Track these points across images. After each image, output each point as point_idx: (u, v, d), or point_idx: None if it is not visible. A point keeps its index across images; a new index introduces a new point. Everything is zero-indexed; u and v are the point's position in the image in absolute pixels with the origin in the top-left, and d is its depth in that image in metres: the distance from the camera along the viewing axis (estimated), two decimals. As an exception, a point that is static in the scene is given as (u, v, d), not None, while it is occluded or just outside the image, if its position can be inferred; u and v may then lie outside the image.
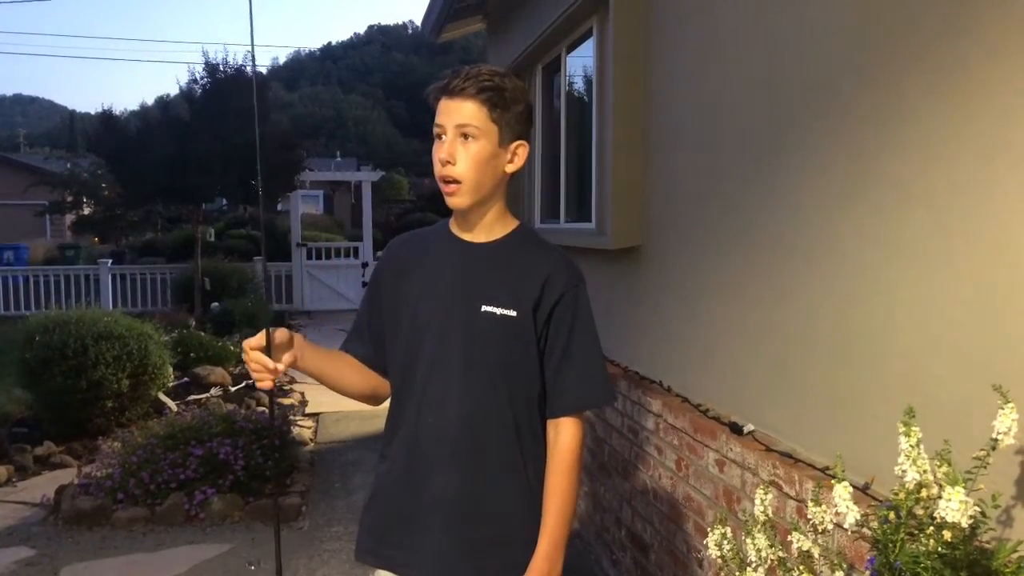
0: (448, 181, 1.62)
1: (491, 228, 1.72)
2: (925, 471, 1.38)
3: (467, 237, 1.73)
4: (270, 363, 1.57)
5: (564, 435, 1.68)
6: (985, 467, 1.38)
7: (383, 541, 1.74)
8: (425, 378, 1.68)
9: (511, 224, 1.75)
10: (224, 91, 12.32)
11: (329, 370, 1.75)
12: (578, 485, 1.72)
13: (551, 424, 1.70)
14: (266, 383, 1.60)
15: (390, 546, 1.73)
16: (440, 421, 1.66)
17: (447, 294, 1.69)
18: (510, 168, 1.68)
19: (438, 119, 1.62)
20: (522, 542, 1.66)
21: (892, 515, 1.41)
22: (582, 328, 1.70)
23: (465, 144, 1.61)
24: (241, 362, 9.16)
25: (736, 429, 2.60)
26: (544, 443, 1.71)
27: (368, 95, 72.37)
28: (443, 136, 1.62)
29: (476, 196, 1.65)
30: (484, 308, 1.65)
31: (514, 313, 1.65)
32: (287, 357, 1.61)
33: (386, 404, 1.90)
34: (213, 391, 7.70)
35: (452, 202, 1.65)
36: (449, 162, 1.61)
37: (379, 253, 15.81)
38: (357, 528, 1.84)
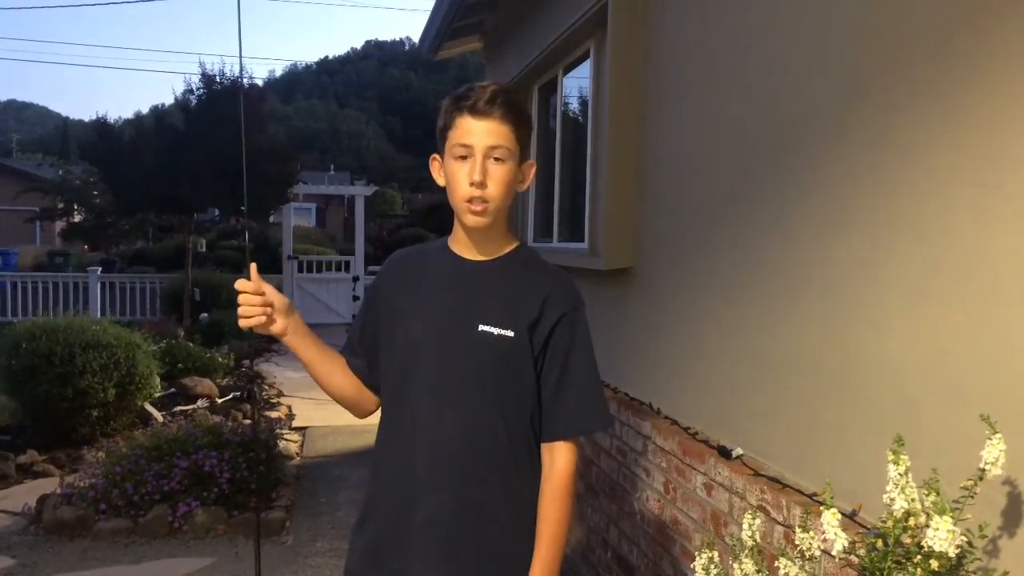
0: (477, 201, 1.60)
1: (494, 247, 1.71)
2: (913, 499, 1.39)
3: (468, 255, 1.71)
4: (258, 298, 1.62)
5: (559, 460, 1.66)
6: (972, 497, 1.38)
7: (374, 564, 1.70)
8: (418, 397, 1.65)
9: (512, 243, 1.74)
10: (219, 102, 12.33)
11: (319, 360, 1.76)
12: (572, 510, 1.69)
13: (545, 448, 1.67)
14: (253, 320, 1.62)
15: (381, 569, 1.68)
16: (434, 441, 1.63)
17: (444, 312, 1.67)
18: (522, 188, 1.69)
19: (463, 139, 1.59)
20: (517, 566, 1.63)
21: (880, 543, 1.41)
22: (580, 352, 1.68)
23: (495, 165, 1.60)
24: (228, 373, 9.14)
25: (725, 453, 2.60)
26: (539, 464, 1.68)
27: (363, 110, 72.56)
28: (469, 156, 1.60)
29: (498, 215, 1.64)
30: (481, 327, 1.63)
31: (511, 333, 1.63)
32: (281, 319, 1.66)
33: (373, 419, 1.89)
34: (200, 403, 7.65)
35: (477, 221, 1.62)
36: (484, 183, 1.59)
37: (371, 268, 15.82)
38: (348, 550, 1.79)
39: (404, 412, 1.67)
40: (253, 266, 1.66)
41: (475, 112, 1.59)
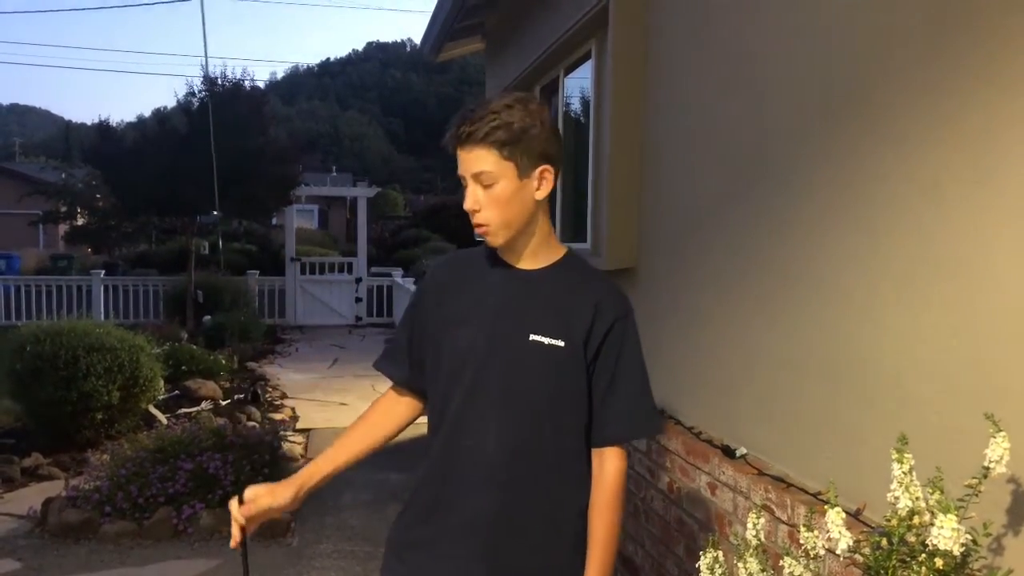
0: (478, 225, 1.63)
1: (537, 255, 1.69)
2: (918, 498, 1.39)
3: (517, 263, 1.70)
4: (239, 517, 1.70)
5: (609, 465, 1.64)
6: (977, 495, 1.38)
7: (403, 560, 1.70)
8: (461, 406, 1.64)
9: (558, 251, 1.73)
10: (222, 104, 12.35)
11: (355, 456, 1.77)
12: (622, 515, 1.67)
13: (595, 453, 1.66)
14: (235, 539, 1.71)
15: (410, 567, 1.68)
16: (478, 450, 1.62)
17: (492, 321, 1.65)
18: (539, 195, 1.64)
19: (459, 169, 1.63)
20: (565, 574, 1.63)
21: (884, 542, 1.41)
22: (630, 358, 1.67)
23: (485, 190, 1.60)
24: (232, 376, 9.14)
25: (728, 452, 2.60)
26: (587, 472, 1.66)
27: (365, 111, 72.59)
28: (465, 185, 1.63)
29: (509, 232, 1.63)
30: (532, 337, 1.62)
31: (562, 343, 1.62)
32: (266, 506, 1.72)
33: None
34: (204, 405, 7.65)
35: (489, 241, 1.66)
36: (476, 210, 1.61)
37: (374, 268, 15.77)
38: (385, 548, 1.79)
39: (451, 418, 1.66)
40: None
41: (458, 142, 1.61)
